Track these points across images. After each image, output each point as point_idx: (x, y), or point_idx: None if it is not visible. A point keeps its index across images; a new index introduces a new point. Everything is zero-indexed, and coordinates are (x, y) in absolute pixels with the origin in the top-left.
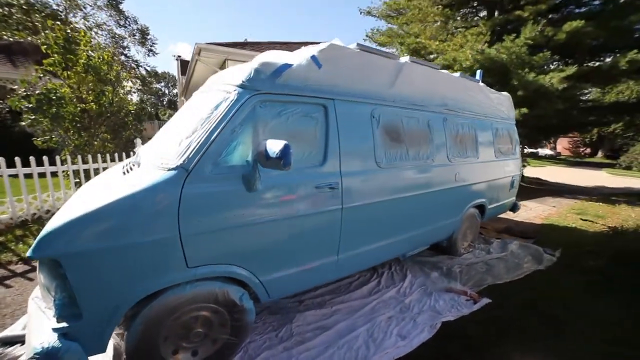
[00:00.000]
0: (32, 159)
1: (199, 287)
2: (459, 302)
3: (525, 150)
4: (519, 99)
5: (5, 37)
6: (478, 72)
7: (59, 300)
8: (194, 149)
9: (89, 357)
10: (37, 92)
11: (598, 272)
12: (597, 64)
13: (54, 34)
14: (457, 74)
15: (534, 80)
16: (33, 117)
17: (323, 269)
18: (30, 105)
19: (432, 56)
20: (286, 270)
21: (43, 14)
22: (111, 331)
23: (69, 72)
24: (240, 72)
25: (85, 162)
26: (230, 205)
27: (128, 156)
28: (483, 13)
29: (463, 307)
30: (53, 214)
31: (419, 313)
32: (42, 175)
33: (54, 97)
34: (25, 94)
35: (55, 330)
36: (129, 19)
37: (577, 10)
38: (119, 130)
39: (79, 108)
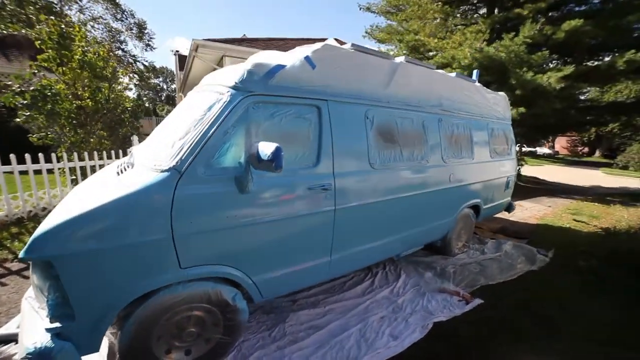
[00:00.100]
0: (27, 156)
1: (192, 288)
2: (452, 302)
3: (524, 149)
4: (517, 97)
5: None
6: (474, 72)
7: (52, 301)
8: (186, 150)
9: (82, 357)
10: (31, 88)
11: (591, 272)
12: (596, 63)
13: (48, 29)
14: (453, 74)
15: (532, 80)
16: (28, 113)
17: (316, 269)
18: (25, 102)
19: (431, 54)
20: (279, 270)
21: (37, 6)
22: (104, 331)
23: (64, 68)
24: (233, 73)
25: (81, 159)
26: (223, 206)
27: (125, 153)
28: (483, 10)
29: (455, 307)
30: (49, 211)
31: (412, 313)
32: (38, 172)
33: (49, 94)
34: (19, 90)
35: (48, 330)
36: (125, 13)
37: (577, 9)
38: (115, 127)
39: (74, 105)
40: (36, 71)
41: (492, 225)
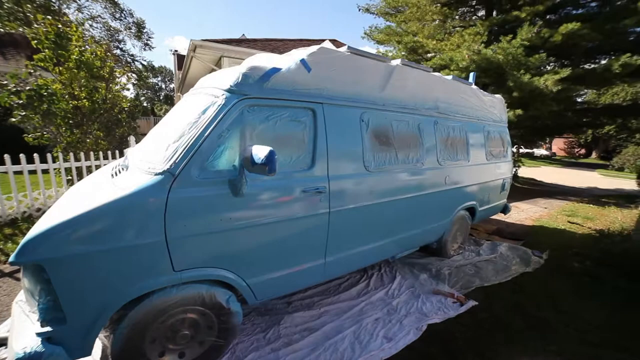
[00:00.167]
0: (22, 156)
1: (186, 290)
2: (446, 304)
3: (521, 151)
4: (515, 100)
5: None
6: (471, 74)
7: (43, 305)
8: (180, 153)
9: None
10: (27, 88)
11: (584, 274)
12: (593, 66)
13: (44, 29)
14: (450, 77)
15: (529, 82)
16: (23, 113)
17: (310, 271)
18: (21, 102)
19: (429, 55)
20: (273, 273)
21: (35, 4)
22: (96, 334)
23: (60, 68)
24: (228, 76)
25: (77, 159)
26: (217, 209)
27: (122, 154)
28: (481, 12)
29: (449, 309)
30: (44, 212)
31: (406, 315)
32: (33, 172)
33: (45, 94)
34: (15, 89)
35: (38, 334)
36: (124, 12)
37: (574, 12)
38: (112, 127)
39: (71, 105)
40: (32, 71)
41: (488, 226)
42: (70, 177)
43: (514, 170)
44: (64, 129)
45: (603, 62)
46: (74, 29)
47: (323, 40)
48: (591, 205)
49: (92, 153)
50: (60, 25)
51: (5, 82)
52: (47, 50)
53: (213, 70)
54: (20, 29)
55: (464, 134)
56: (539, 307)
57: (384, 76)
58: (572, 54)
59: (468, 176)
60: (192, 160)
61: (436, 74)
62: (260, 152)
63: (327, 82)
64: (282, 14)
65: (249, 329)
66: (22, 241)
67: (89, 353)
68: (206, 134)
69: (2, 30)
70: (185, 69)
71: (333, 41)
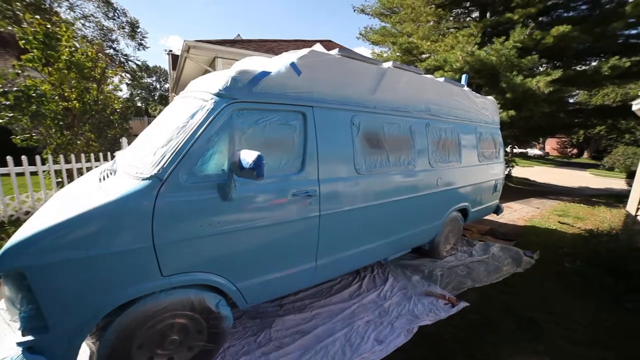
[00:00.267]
0: (9, 158)
1: (175, 295)
2: (438, 305)
3: (515, 151)
4: (508, 101)
5: None
6: (463, 76)
7: (24, 313)
8: (168, 158)
9: None
10: (14, 89)
11: (574, 273)
12: (583, 68)
13: (33, 29)
14: (442, 79)
15: (522, 83)
16: (11, 114)
17: (301, 275)
18: (8, 103)
19: (424, 56)
20: (263, 277)
21: (25, 2)
22: (80, 343)
23: (49, 69)
24: (217, 80)
25: (68, 161)
26: (206, 214)
27: (113, 156)
28: (475, 14)
29: (441, 310)
30: (32, 215)
31: (397, 317)
32: (21, 174)
33: (34, 94)
34: (1, 90)
35: (19, 344)
36: (117, 11)
37: (565, 15)
38: (103, 128)
39: (61, 106)
40: (20, 71)
41: (481, 227)
42: (60, 180)
43: (508, 170)
44: (53, 130)
45: (593, 64)
46: (64, 29)
47: (318, 42)
48: (582, 205)
49: (83, 155)
50: (49, 25)
51: None
52: (35, 50)
53: (207, 71)
54: (9, 28)
55: (456, 135)
56: (529, 308)
57: (375, 79)
58: (564, 55)
59: (460, 178)
60: (180, 165)
61: (428, 76)
62: (248, 156)
63: (318, 85)
64: (278, 15)
65: (240, 333)
66: (3, 247)
67: None
68: (194, 139)
69: None
70: (179, 70)
71: (328, 42)
